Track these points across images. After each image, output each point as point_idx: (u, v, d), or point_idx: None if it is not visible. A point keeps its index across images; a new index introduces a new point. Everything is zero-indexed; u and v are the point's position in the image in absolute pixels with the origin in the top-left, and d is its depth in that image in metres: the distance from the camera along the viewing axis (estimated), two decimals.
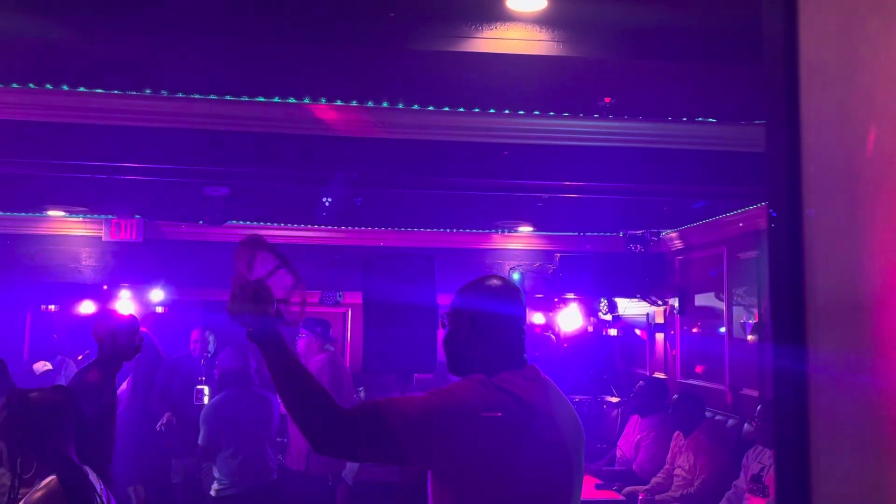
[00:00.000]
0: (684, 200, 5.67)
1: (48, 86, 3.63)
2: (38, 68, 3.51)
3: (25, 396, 2.34)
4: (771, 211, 0.82)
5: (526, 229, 7.55)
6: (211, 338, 6.16)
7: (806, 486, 0.79)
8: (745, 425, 5.55)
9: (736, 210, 6.03)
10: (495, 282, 2.04)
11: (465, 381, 1.88)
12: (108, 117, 3.97)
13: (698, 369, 6.81)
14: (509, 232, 7.70)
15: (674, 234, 7.14)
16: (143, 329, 5.59)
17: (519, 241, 7.94)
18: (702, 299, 6.86)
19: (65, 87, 3.63)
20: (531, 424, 1.81)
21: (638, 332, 8.12)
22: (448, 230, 7.60)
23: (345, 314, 8.35)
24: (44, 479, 2.15)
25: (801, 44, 0.80)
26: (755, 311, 5.86)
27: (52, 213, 6.99)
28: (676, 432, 5.55)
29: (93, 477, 2.26)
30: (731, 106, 3.74)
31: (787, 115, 0.80)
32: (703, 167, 4.44)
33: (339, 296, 7.92)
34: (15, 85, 3.59)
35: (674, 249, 7.29)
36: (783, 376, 0.82)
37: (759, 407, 4.56)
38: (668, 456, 5.61)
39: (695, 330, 6.96)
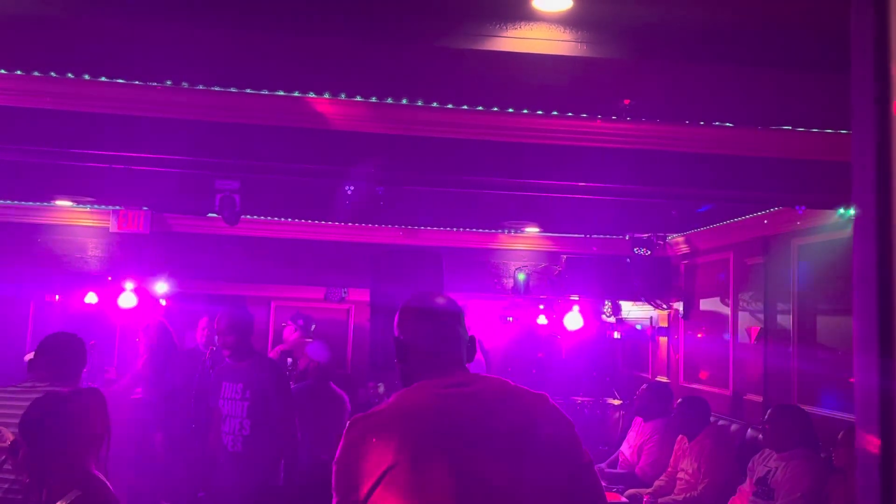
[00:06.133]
0: (691, 204, 5.68)
1: (52, 73, 3.56)
2: (47, 54, 3.45)
3: (61, 399, 2.23)
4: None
5: (532, 230, 7.55)
6: None
7: None
8: (749, 430, 5.56)
9: (743, 215, 6.04)
10: (413, 303, 2.00)
11: None
12: (118, 106, 3.94)
13: (703, 375, 6.82)
14: (516, 232, 7.70)
15: (680, 239, 7.15)
16: (162, 320, 5.58)
17: (525, 242, 7.95)
18: (707, 304, 6.88)
19: (70, 76, 3.57)
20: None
21: (639, 326, 8.11)
22: (455, 229, 7.61)
23: (348, 311, 8.35)
24: (63, 494, 2.04)
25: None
26: (761, 316, 5.88)
27: (59, 202, 6.97)
28: (680, 436, 5.56)
29: (111, 489, 2.19)
30: (748, 110, 3.75)
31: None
32: (714, 171, 4.44)
33: (344, 292, 7.93)
34: (19, 72, 3.53)
35: (680, 254, 7.31)
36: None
37: (768, 411, 4.57)
38: (671, 459, 5.62)
39: (699, 335, 6.97)
